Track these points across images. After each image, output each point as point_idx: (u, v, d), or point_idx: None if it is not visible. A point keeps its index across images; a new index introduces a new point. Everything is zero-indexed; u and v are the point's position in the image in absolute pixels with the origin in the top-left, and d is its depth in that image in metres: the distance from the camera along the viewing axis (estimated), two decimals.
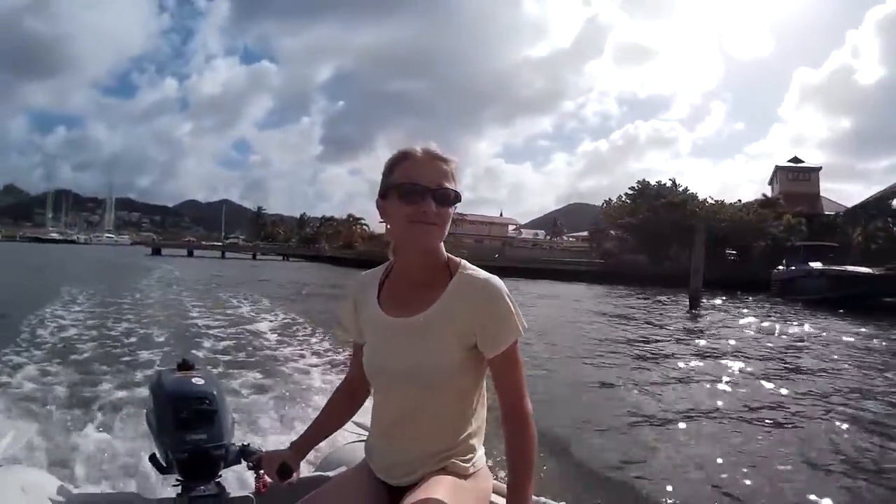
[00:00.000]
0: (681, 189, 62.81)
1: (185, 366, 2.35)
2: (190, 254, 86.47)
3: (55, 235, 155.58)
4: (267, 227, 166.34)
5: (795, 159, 66.64)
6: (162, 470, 2.18)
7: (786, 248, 41.54)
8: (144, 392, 3.66)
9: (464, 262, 1.79)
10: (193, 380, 2.24)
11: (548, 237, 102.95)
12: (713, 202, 58.29)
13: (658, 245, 54.58)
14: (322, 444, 2.20)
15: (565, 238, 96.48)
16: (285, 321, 14.91)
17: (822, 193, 64.02)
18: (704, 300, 26.09)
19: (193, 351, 10.02)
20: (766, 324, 19.31)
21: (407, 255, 1.78)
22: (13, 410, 6.03)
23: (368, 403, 2.03)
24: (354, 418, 2.14)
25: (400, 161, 1.71)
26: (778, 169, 66.60)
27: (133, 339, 10.95)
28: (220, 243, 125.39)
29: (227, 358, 9.58)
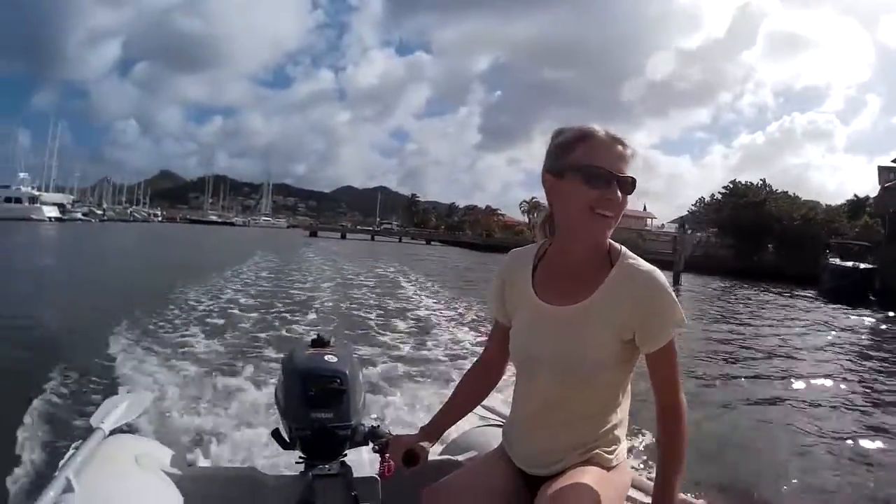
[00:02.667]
0: (769, 190, 67.64)
1: (320, 342, 2.47)
2: (343, 236, 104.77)
3: (214, 217, 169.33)
4: (419, 213, 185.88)
5: None
6: (285, 446, 2.32)
7: (828, 245, 47.21)
8: (275, 367, 4.62)
9: (624, 249, 1.77)
10: (326, 357, 2.34)
11: (689, 231, 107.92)
12: (788, 201, 64.22)
13: (743, 241, 61.52)
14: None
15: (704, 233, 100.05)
16: (431, 299, 16.23)
17: None
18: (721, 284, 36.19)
19: (338, 326, 10.85)
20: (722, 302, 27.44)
21: (572, 239, 1.76)
22: (133, 379, 6.59)
23: (500, 386, 2.12)
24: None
25: (581, 140, 1.68)
26: (880, 169, 70.27)
27: (278, 315, 11.91)
28: (370, 228, 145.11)
29: (364, 334, 10.27)
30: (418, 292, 19.21)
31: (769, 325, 18.89)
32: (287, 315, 12.10)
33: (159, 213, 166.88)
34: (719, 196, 72.09)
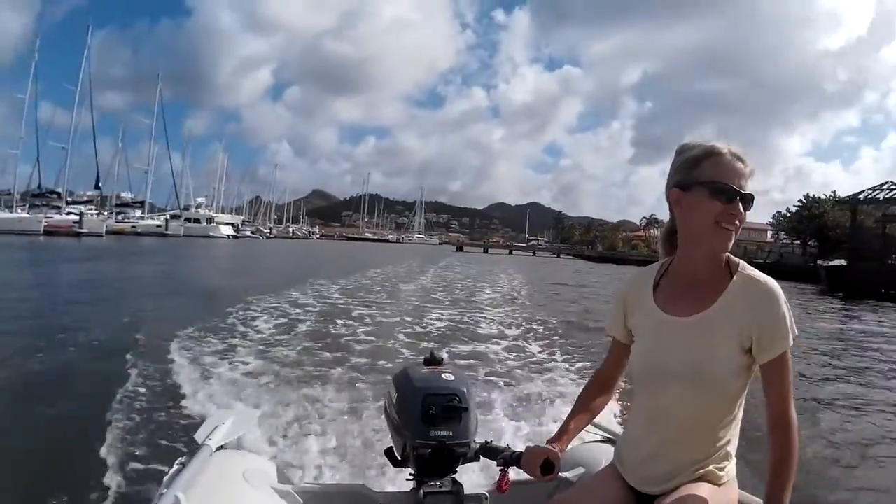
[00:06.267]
0: (833, 201, 71.89)
1: (434, 361, 2.47)
2: (485, 251, 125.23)
3: (369, 235, 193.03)
4: (565, 230, 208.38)
5: None
6: (396, 464, 2.36)
7: None
8: (379, 385, 4.84)
9: (742, 262, 1.92)
10: (444, 375, 2.35)
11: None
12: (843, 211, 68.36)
13: (818, 247, 70.59)
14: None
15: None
16: (536, 320, 15.64)
17: None
18: None
19: (437, 345, 11.03)
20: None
21: (695, 251, 1.92)
22: (238, 395, 6.83)
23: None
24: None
25: (707, 157, 1.86)
26: None
27: (383, 332, 12.05)
28: (508, 243, 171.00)
29: (469, 353, 10.37)
30: (516, 299, 21.77)
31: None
32: (403, 329, 12.71)
33: (317, 231, 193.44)
34: (794, 209, 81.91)
